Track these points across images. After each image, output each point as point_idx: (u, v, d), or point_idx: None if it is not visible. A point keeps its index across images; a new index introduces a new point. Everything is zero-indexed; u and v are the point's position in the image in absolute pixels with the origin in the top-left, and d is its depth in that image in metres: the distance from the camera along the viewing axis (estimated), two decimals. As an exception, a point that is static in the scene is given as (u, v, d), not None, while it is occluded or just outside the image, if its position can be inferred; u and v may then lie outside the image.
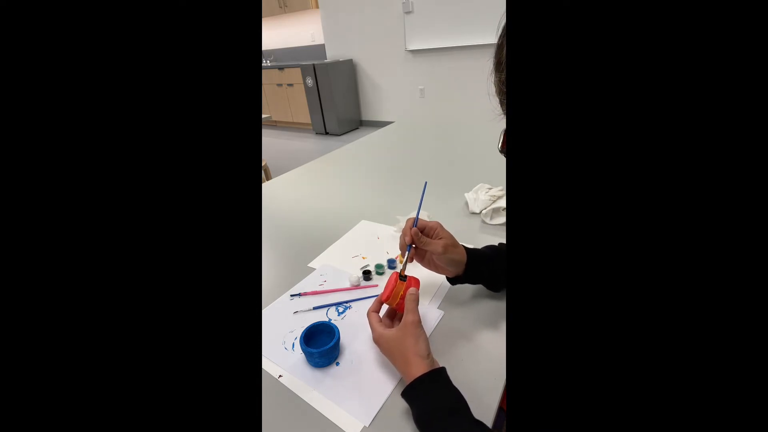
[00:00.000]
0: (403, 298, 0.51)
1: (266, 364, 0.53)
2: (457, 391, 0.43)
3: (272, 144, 4.43)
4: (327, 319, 0.61)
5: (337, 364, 0.52)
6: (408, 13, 3.63)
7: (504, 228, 0.80)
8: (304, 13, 4.55)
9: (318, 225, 0.91)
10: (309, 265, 0.75)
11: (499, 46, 0.35)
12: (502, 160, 0.33)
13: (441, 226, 0.57)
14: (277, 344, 0.57)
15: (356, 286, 0.68)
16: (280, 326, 0.60)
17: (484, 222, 0.83)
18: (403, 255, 0.56)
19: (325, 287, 0.68)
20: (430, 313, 0.60)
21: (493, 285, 0.60)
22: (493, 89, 0.38)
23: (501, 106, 0.38)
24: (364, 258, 0.76)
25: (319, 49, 4.68)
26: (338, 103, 4.25)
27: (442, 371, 0.44)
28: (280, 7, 4.48)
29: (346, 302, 0.64)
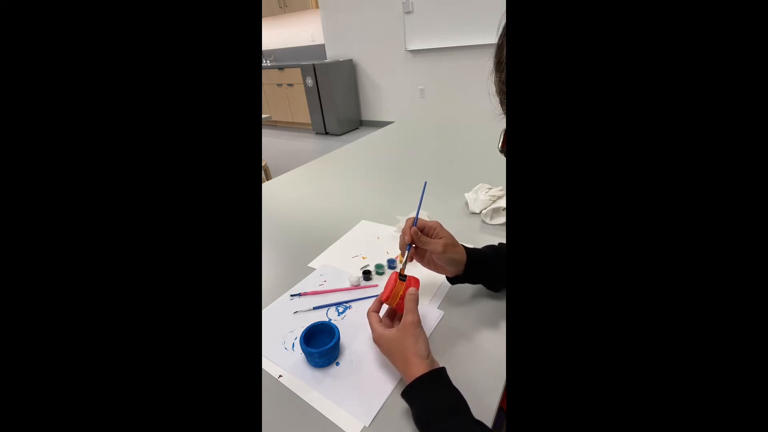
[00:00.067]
0: (402, 298, 0.51)
1: (266, 364, 0.53)
2: (457, 391, 0.43)
3: (272, 144, 4.43)
4: (327, 319, 0.61)
5: (337, 364, 0.52)
6: (408, 13, 3.63)
7: (504, 228, 0.80)
8: (304, 13, 4.55)
9: (318, 225, 0.91)
10: (309, 265, 0.75)
11: (499, 46, 0.35)
12: (502, 160, 0.33)
13: (441, 226, 0.57)
14: (277, 344, 0.57)
15: (356, 286, 0.68)
16: (280, 326, 0.60)
17: (484, 222, 0.83)
18: (402, 254, 0.56)
19: (325, 287, 0.68)
20: (430, 313, 0.60)
21: (493, 285, 0.60)
22: (493, 89, 0.38)
23: (501, 106, 0.38)
24: (364, 258, 0.76)
25: (319, 49, 4.68)
26: (338, 103, 4.25)
27: (442, 371, 0.44)
28: (280, 7, 4.48)
29: (346, 302, 0.64)
